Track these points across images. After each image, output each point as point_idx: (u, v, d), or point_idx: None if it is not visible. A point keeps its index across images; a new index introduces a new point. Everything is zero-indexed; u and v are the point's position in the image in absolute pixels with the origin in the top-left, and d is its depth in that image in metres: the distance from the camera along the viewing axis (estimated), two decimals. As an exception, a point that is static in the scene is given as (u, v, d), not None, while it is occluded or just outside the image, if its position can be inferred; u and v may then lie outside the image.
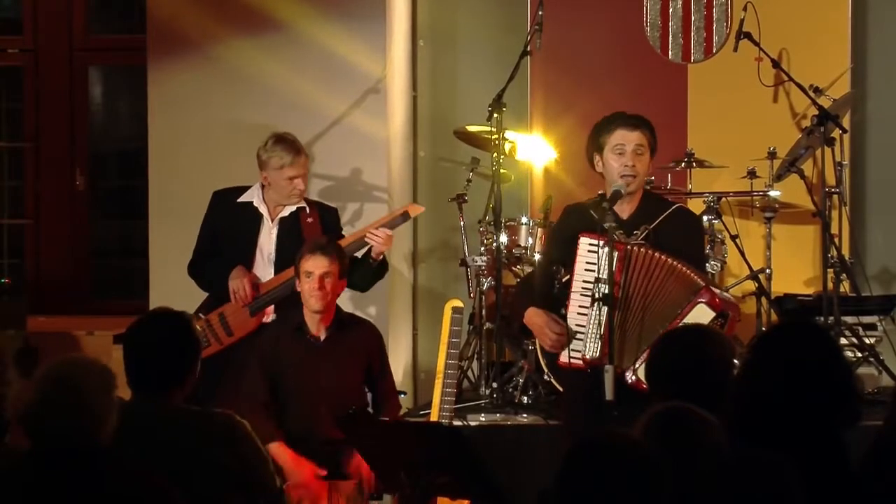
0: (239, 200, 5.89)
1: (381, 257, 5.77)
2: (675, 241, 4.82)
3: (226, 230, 5.85)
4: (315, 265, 5.32)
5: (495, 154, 6.44)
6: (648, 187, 6.61)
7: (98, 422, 3.39)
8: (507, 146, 6.78)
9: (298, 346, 5.38)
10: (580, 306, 4.75)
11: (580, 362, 4.74)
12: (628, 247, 4.71)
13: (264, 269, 5.80)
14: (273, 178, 5.80)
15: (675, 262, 4.73)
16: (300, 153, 5.81)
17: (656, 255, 4.72)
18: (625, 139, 4.86)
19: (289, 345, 5.39)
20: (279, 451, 5.16)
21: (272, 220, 5.83)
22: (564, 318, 4.85)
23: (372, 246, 5.69)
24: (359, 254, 5.75)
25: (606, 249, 4.61)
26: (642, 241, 4.76)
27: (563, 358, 4.81)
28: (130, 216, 8.24)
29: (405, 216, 5.85)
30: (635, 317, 4.74)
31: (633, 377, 4.70)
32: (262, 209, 5.84)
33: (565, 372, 4.86)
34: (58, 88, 8.19)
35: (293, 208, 5.83)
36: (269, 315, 5.76)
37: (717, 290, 4.84)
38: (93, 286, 8.28)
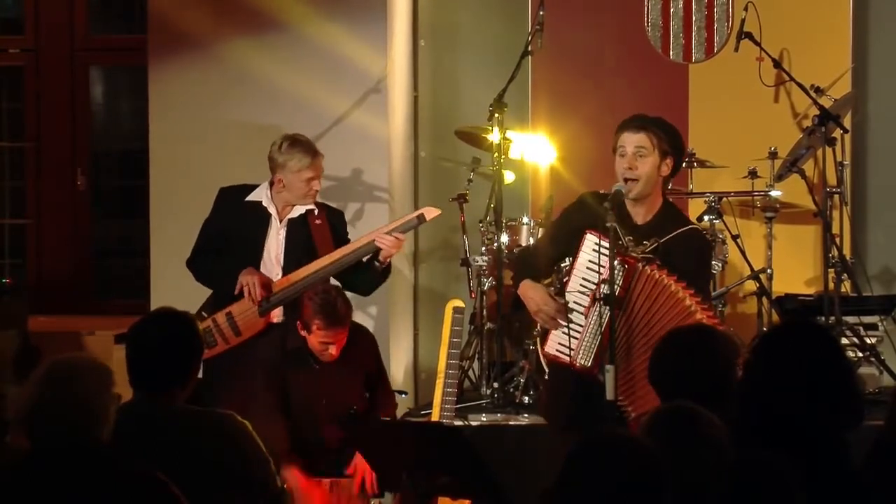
0: (247, 199, 5.85)
1: (388, 262, 5.75)
2: (683, 262, 4.74)
3: (233, 229, 5.81)
4: (334, 337, 5.28)
5: (496, 154, 6.45)
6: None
7: (97, 420, 3.39)
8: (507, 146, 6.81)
9: (300, 368, 5.36)
10: (575, 302, 4.72)
11: (566, 358, 4.71)
12: (640, 265, 4.67)
13: (272, 269, 5.77)
14: (290, 180, 5.75)
15: (683, 297, 4.66)
16: (317, 154, 5.78)
17: (666, 281, 4.65)
18: (625, 141, 4.84)
19: (290, 366, 5.38)
20: (292, 475, 5.16)
21: (280, 221, 5.82)
22: None
23: (379, 249, 5.67)
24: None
25: (610, 256, 4.57)
26: (650, 255, 4.72)
27: (550, 348, 4.78)
28: (131, 216, 8.25)
29: (420, 219, 5.75)
30: (635, 335, 4.69)
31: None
32: (271, 209, 5.82)
33: (555, 366, 4.82)
34: (59, 88, 8.19)
35: (302, 210, 5.82)
36: (278, 317, 5.75)
37: (708, 314, 4.74)
38: (94, 286, 8.28)
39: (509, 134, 6.70)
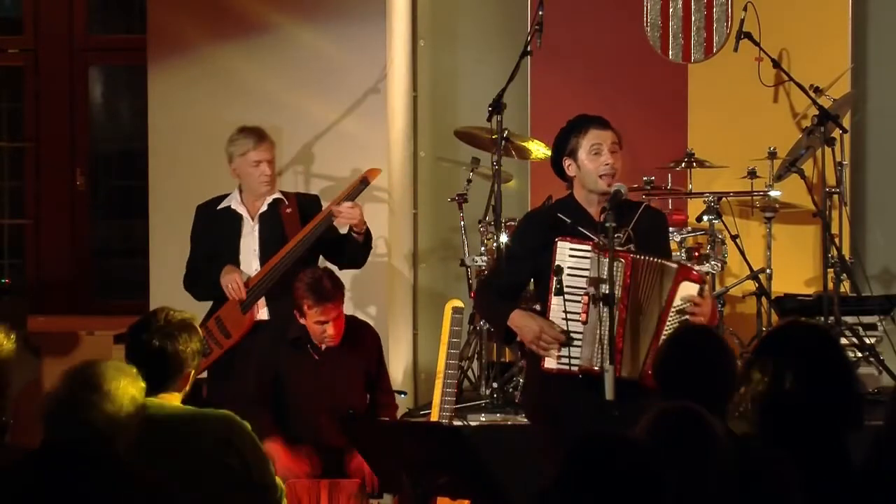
0: (219, 208, 5.93)
1: (364, 228, 5.74)
2: (650, 238, 4.83)
3: (211, 239, 5.90)
4: (327, 314, 5.28)
5: (495, 154, 6.45)
6: (649, 188, 6.64)
7: (120, 433, 3.38)
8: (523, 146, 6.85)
9: (299, 357, 5.37)
10: (567, 311, 4.69)
11: (576, 369, 4.70)
12: (636, 257, 4.69)
13: (250, 264, 5.83)
14: (240, 168, 5.85)
15: (662, 261, 4.73)
16: (264, 138, 5.86)
17: (655, 260, 4.71)
18: (601, 138, 4.83)
19: (288, 355, 5.38)
20: (273, 447, 5.17)
21: (252, 219, 5.86)
22: None
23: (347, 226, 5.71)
24: (343, 230, 5.79)
25: (610, 255, 4.58)
26: (630, 246, 4.74)
27: (551, 364, 4.74)
28: (131, 216, 8.24)
29: (365, 182, 5.78)
30: (643, 321, 4.71)
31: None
32: (241, 210, 5.88)
33: (555, 379, 4.81)
34: (58, 88, 8.19)
35: (270, 200, 5.86)
36: (261, 308, 5.78)
37: (688, 264, 4.88)
38: (93, 286, 8.28)
39: (508, 134, 6.70)
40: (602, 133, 4.84)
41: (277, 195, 5.90)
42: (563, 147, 4.90)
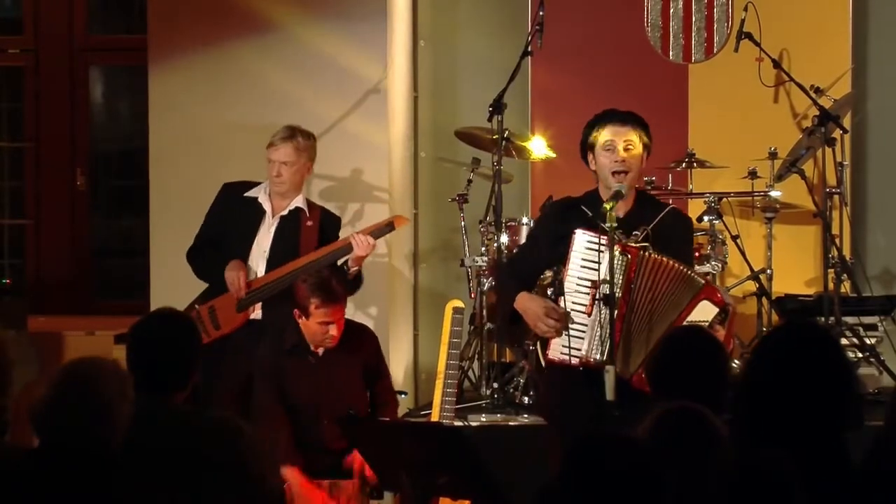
0: (246, 195, 5.93)
1: (358, 270, 5.72)
2: (670, 241, 4.83)
3: (228, 222, 5.90)
4: (333, 315, 5.27)
5: (496, 154, 6.45)
6: (649, 188, 6.63)
7: (112, 426, 3.38)
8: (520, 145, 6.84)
9: (297, 363, 5.36)
10: (574, 303, 4.72)
11: (576, 360, 4.71)
12: (642, 253, 4.69)
13: (257, 263, 5.83)
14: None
15: (681, 267, 4.72)
16: (286, 139, 5.84)
17: (666, 261, 4.70)
18: (615, 135, 4.86)
19: (287, 361, 5.37)
20: (293, 476, 5.17)
21: (273, 216, 5.86)
22: None
23: (351, 255, 5.68)
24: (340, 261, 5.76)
25: (609, 250, 4.58)
26: (645, 244, 4.75)
27: (554, 354, 4.77)
28: (131, 216, 8.25)
29: (390, 227, 5.81)
30: (642, 321, 4.71)
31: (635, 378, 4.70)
32: (266, 205, 5.88)
33: (557, 369, 4.82)
34: (58, 88, 8.20)
35: (294, 206, 5.85)
36: (256, 310, 5.78)
37: (717, 287, 4.87)
38: (93, 286, 8.28)
39: (509, 134, 6.70)
40: (618, 130, 4.87)
41: (301, 203, 5.88)
42: (585, 141, 4.95)
